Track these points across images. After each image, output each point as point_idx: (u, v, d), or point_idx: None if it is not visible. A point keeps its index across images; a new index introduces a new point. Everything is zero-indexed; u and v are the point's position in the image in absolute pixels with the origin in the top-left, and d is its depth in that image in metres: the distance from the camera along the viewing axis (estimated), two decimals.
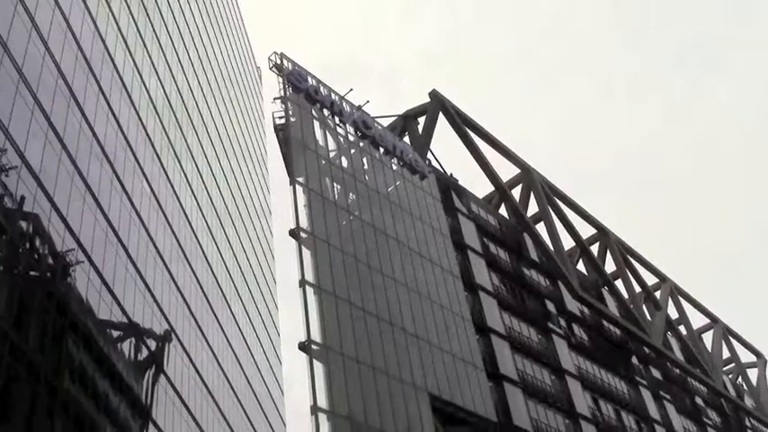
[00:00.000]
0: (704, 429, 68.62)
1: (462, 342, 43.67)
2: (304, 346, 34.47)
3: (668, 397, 64.79)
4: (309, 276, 37.23)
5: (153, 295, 34.47)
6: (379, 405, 33.37)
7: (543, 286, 57.76)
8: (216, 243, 48.15)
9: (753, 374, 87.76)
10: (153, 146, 39.27)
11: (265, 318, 58.22)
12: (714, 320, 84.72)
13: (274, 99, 45.13)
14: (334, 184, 43.45)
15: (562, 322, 56.33)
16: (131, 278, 32.52)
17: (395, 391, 36.50)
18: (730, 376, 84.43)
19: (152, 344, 34.30)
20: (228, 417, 42.71)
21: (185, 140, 46.18)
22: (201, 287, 42.84)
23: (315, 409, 32.13)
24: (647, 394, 61.10)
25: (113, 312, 30.14)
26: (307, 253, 38.24)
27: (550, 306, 56.02)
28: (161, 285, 36.09)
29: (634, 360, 63.68)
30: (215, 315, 44.61)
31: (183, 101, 47.75)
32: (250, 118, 75.26)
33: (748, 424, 79.20)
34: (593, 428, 50.01)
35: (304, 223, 39.16)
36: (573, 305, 58.81)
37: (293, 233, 38.51)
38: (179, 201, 42.02)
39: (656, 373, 66.11)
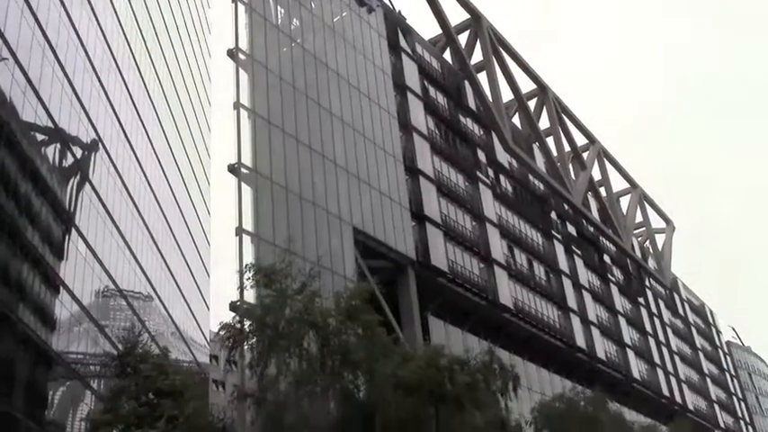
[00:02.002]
0: (608, 285, 73.16)
1: (391, 181, 44.46)
2: (233, 169, 34.52)
3: (579, 252, 68.28)
4: (245, 100, 36.68)
5: (81, 102, 33.44)
6: (304, 233, 34.18)
7: (477, 135, 58.54)
8: (150, 56, 46.43)
9: (660, 240, 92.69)
10: None
11: (197, 138, 57.53)
12: (633, 186, 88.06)
13: None
14: (278, 8, 41.93)
15: (490, 172, 57.68)
16: (59, 82, 31.35)
17: (320, 222, 37.33)
18: (639, 239, 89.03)
19: (78, 152, 33.68)
20: (153, 230, 43.06)
21: None
22: (132, 100, 41.72)
23: (240, 231, 32.70)
24: (559, 248, 64.21)
25: (38, 116, 29.25)
26: (244, 76, 37.44)
27: (481, 155, 57.08)
28: (90, 93, 34.94)
29: (553, 215, 66.32)
30: (145, 130, 43.81)
31: None
32: None
33: (648, 284, 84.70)
34: (506, 274, 52.70)
35: (244, 45, 38.03)
36: (503, 157, 60.05)
37: (231, 53, 37.45)
38: (114, 8, 39.98)
39: (571, 230, 69.21)
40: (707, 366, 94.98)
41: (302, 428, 24.99)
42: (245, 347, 25.81)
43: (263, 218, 34.29)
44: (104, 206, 35.34)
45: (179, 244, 49.26)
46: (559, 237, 65.23)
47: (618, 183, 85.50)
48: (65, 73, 31.91)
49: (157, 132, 46.68)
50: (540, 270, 60.19)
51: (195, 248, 53.97)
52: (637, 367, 70.33)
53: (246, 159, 35.05)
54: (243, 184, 34.24)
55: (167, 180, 47.94)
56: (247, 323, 25.75)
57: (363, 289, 28.98)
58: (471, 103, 59.06)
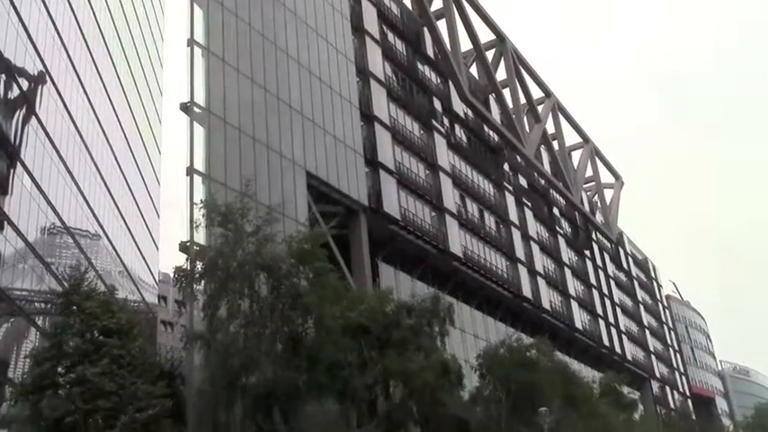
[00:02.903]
0: (555, 237, 74.50)
1: (346, 126, 44.18)
2: (186, 108, 33.89)
3: (529, 204, 69.22)
4: (199, 37, 35.82)
5: (28, 33, 32.19)
6: (256, 175, 33.82)
7: (434, 84, 58.33)
8: None
9: (609, 195, 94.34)
10: None
11: (148, 75, 56.04)
12: (586, 140, 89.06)
13: None
14: None
15: (445, 121, 57.71)
16: (4, 10, 30.13)
17: (273, 165, 37.03)
18: (588, 193, 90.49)
19: (24, 84, 32.58)
20: (101, 167, 42.13)
21: None
22: (82, 32, 40.30)
23: (191, 171, 32.27)
24: (510, 199, 64.97)
25: None
26: (199, 12, 36.50)
27: (437, 104, 56.97)
28: (37, 24, 33.64)
29: (505, 167, 66.87)
30: (95, 64, 42.46)
31: None
32: None
33: (594, 238, 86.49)
34: (457, 223, 53.22)
35: None
36: (459, 106, 60.02)
37: None
38: None
39: (522, 182, 69.99)
40: (647, 319, 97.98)
41: (251, 370, 25.19)
42: (196, 288, 25.75)
43: (215, 158, 33.87)
44: (51, 141, 34.40)
45: (128, 183, 48.36)
46: (511, 188, 65.93)
47: (571, 137, 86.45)
48: (11, 1, 30.67)
49: (108, 67, 45.34)
50: (490, 220, 60.92)
51: (145, 187, 53.08)
52: (580, 318, 72.25)
53: (199, 98, 34.42)
54: (195, 123, 33.68)
55: (117, 117, 46.77)
56: (199, 264, 25.63)
57: (317, 234, 29.04)
58: (430, 51, 58.65)
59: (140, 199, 51.44)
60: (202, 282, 25.45)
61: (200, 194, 31.63)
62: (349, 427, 27.09)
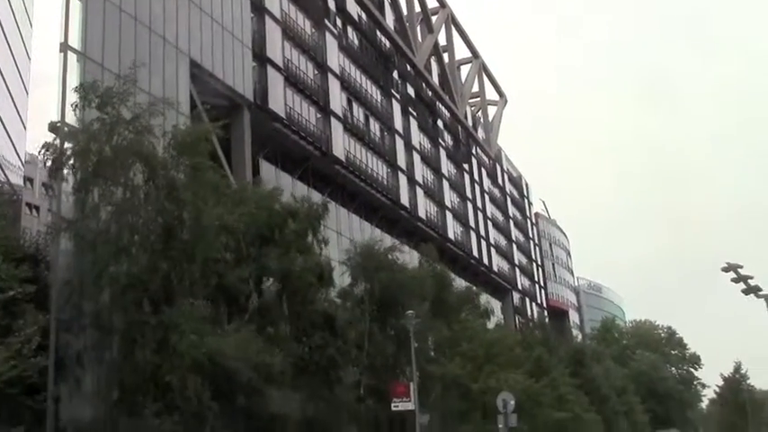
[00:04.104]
0: (437, 149, 75.83)
1: (235, 17, 42.50)
2: None
3: (415, 114, 69.77)
4: None
5: None
6: (137, 58, 32.12)
7: None
8: None
9: (492, 111, 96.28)
10: None
11: None
12: (475, 56, 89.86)
13: None
14: None
15: (338, 22, 56.59)
16: None
17: (155, 49, 35.31)
18: (472, 108, 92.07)
19: None
20: None
21: None
22: None
23: (65, 47, 30.33)
24: (397, 108, 65.24)
25: None
26: None
27: (331, 3, 55.65)
28: None
29: (395, 75, 66.74)
30: None
31: None
32: None
33: (474, 152, 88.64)
34: (341, 126, 53.10)
35: None
36: (353, 8, 58.94)
37: None
38: None
39: (410, 91, 70.20)
40: (515, 233, 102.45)
41: (121, 260, 24.63)
42: (66, 172, 24.60)
43: (92, 36, 31.89)
44: None
45: None
46: (398, 96, 66.08)
47: (461, 51, 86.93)
48: None
49: None
50: (375, 127, 61.11)
51: (14, 62, 49.53)
52: (453, 228, 74.67)
53: None
54: None
55: None
56: (70, 146, 24.41)
57: (199, 128, 28.19)
58: None
59: (8, 75, 48.02)
60: (73, 165, 24.31)
61: (74, 74, 29.91)
62: (218, 322, 27.13)
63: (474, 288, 56.89)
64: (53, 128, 26.71)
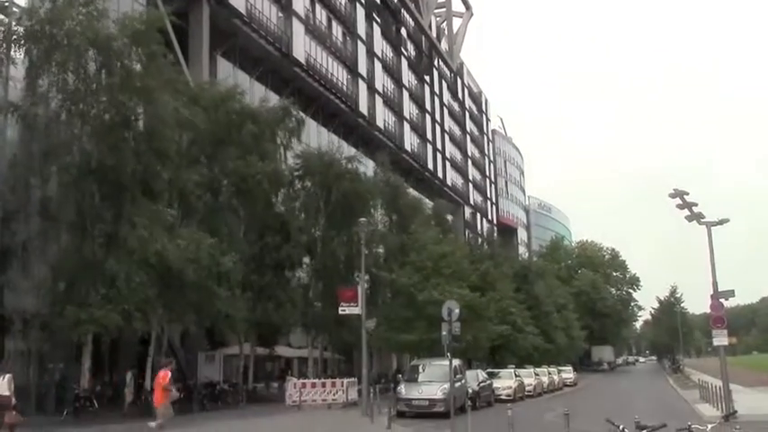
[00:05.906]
0: (399, 58, 74.74)
1: None
2: None
3: (378, 21, 68.31)
4: None
5: None
6: None
7: None
8: None
9: (456, 24, 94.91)
10: None
11: None
12: None
13: None
14: None
15: None
16: None
17: None
18: (438, 19, 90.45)
19: None
20: None
21: None
22: None
23: None
24: (361, 12, 63.72)
25: None
26: None
27: None
28: None
29: None
30: None
31: None
32: None
33: (436, 65, 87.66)
34: (303, 28, 51.82)
35: None
36: None
37: None
38: None
39: None
40: (471, 149, 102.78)
41: (71, 148, 24.11)
42: (14, 54, 23.65)
43: None
44: None
45: None
46: (363, 1, 64.46)
47: None
48: None
49: None
50: (337, 31, 59.77)
51: None
52: (410, 140, 74.49)
53: None
54: None
55: None
56: (20, 28, 23.38)
57: (154, 16, 27.22)
58: None
59: None
60: (22, 48, 23.37)
61: None
62: (170, 221, 26.91)
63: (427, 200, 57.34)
64: (1, 8, 25.52)
